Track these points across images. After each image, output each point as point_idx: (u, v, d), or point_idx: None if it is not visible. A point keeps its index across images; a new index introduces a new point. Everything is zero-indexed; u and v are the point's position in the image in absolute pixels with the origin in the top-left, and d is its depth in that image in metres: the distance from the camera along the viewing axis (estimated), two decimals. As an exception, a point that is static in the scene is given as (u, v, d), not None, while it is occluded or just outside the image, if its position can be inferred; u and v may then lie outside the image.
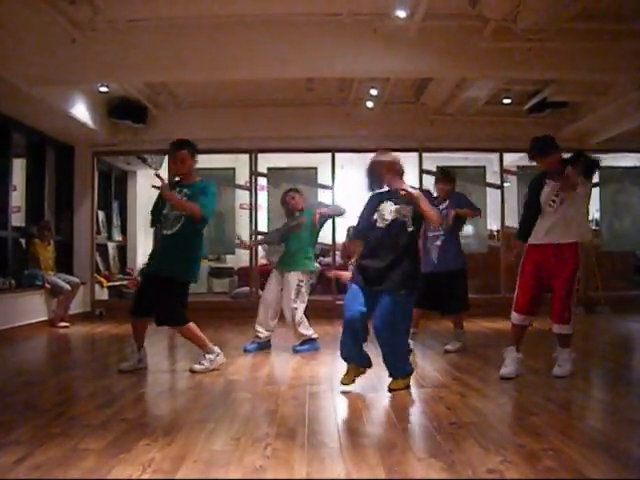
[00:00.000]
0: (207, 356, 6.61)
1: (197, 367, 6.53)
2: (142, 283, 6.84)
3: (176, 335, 7.28)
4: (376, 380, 5.85)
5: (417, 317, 7.58)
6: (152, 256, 6.78)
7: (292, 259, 7.98)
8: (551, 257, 5.90)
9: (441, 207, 7.47)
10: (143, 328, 6.62)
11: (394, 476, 3.29)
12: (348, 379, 5.58)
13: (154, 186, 6.67)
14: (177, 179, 6.75)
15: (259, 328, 7.91)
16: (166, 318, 6.47)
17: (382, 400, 5.16)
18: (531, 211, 6.06)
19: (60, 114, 10.51)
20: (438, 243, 7.65)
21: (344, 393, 5.49)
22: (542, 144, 5.95)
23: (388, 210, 5.54)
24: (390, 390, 5.48)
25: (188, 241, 6.46)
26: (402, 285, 5.36)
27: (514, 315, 6.15)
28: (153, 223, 6.71)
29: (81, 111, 10.91)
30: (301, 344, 7.82)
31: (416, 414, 4.86)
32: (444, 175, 8.04)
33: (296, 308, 7.73)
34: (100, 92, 11.11)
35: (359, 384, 5.69)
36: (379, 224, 5.54)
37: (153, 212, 6.66)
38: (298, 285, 7.79)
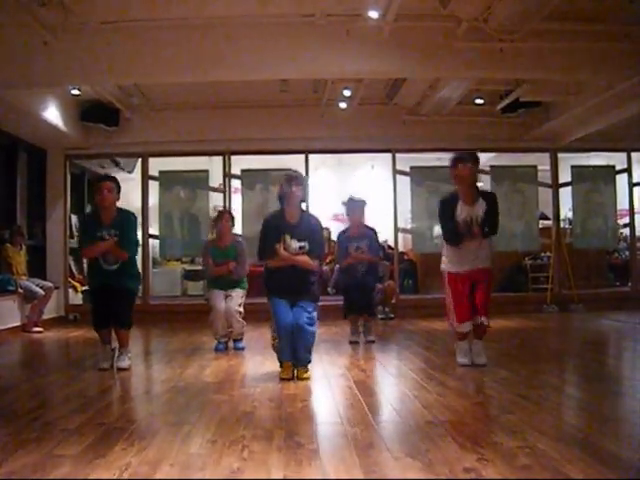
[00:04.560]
0: (128, 354, 6.95)
1: (124, 364, 6.82)
2: (95, 297, 7.04)
3: (151, 340, 7.25)
4: (351, 381, 5.87)
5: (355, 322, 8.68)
6: (97, 275, 6.92)
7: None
8: (473, 275, 6.45)
9: (361, 245, 8.52)
10: (109, 332, 6.97)
11: (372, 476, 3.29)
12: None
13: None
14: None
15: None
16: (123, 323, 6.89)
17: (358, 400, 5.16)
18: (451, 224, 6.44)
19: (32, 117, 10.43)
20: (363, 269, 8.57)
21: (320, 393, 5.50)
22: (465, 153, 6.47)
23: (293, 246, 6.19)
24: (302, 379, 6.05)
25: (130, 267, 6.98)
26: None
27: (461, 325, 6.53)
28: (84, 244, 7.04)
29: (53, 114, 10.83)
30: (241, 341, 8.35)
31: (392, 413, 4.87)
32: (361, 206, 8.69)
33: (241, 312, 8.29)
34: (72, 95, 11.02)
35: (336, 384, 5.71)
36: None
37: (85, 237, 7.03)
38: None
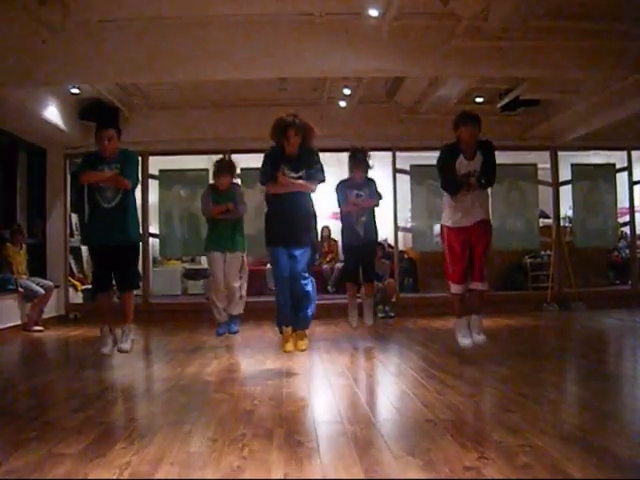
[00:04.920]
0: (131, 333, 6.96)
1: (127, 346, 6.86)
2: (96, 258, 7.02)
3: (151, 339, 7.26)
4: (351, 380, 5.88)
5: (352, 290, 8.78)
6: (96, 228, 6.90)
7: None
8: (472, 232, 6.61)
9: (362, 194, 8.54)
10: (110, 305, 6.98)
11: (372, 475, 3.29)
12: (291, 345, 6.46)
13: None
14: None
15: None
16: (129, 282, 6.93)
17: (358, 398, 5.17)
18: (451, 174, 6.67)
19: (31, 116, 10.41)
20: (363, 219, 8.51)
21: (320, 392, 5.51)
22: (467, 115, 6.65)
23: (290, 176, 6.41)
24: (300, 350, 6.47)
25: (129, 208, 6.91)
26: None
27: (453, 286, 6.74)
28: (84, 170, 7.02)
29: (52, 113, 10.83)
30: (237, 322, 8.55)
31: (392, 412, 4.87)
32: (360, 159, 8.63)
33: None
34: (72, 94, 11.01)
35: (336, 383, 5.72)
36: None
37: (85, 167, 7.03)
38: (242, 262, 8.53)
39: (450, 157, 6.65)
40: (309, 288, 6.42)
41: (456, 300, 6.82)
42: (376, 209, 8.67)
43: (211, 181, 8.94)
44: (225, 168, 8.66)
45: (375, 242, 8.91)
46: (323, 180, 6.48)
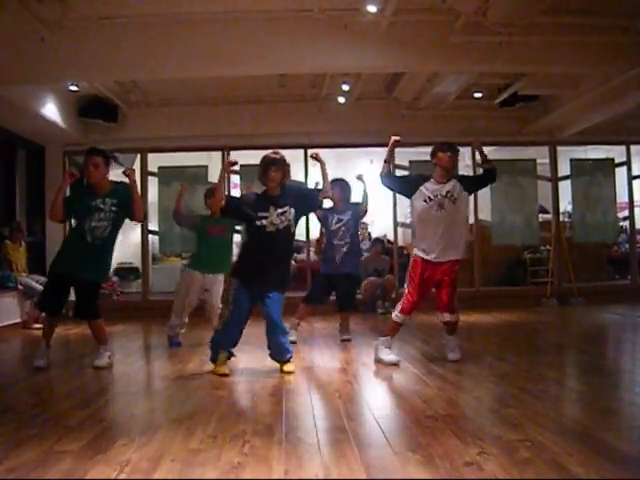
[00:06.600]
0: (107, 353, 6.74)
1: (101, 363, 6.62)
2: (55, 282, 6.74)
3: (151, 336, 7.24)
4: (352, 376, 5.88)
5: (306, 312, 8.28)
6: (69, 258, 6.63)
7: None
8: (441, 270, 6.49)
9: (343, 218, 8.22)
10: (53, 326, 6.82)
11: (372, 470, 3.29)
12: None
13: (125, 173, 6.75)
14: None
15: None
16: (89, 313, 6.70)
17: (359, 395, 5.17)
18: (402, 183, 6.94)
19: (30, 114, 10.42)
20: (344, 250, 8.19)
21: (320, 388, 5.52)
22: (446, 144, 6.61)
23: (275, 215, 6.13)
24: (287, 372, 6.04)
25: (110, 249, 6.75)
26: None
27: (401, 316, 6.66)
28: (67, 216, 6.88)
29: (51, 110, 10.82)
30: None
31: (393, 408, 4.87)
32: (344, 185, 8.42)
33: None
34: (70, 91, 11.02)
35: (336, 379, 5.72)
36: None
37: (67, 205, 6.71)
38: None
39: (416, 179, 6.70)
40: (288, 346, 6.22)
41: (395, 325, 6.71)
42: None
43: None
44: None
45: (355, 276, 8.49)
46: (326, 196, 6.45)
